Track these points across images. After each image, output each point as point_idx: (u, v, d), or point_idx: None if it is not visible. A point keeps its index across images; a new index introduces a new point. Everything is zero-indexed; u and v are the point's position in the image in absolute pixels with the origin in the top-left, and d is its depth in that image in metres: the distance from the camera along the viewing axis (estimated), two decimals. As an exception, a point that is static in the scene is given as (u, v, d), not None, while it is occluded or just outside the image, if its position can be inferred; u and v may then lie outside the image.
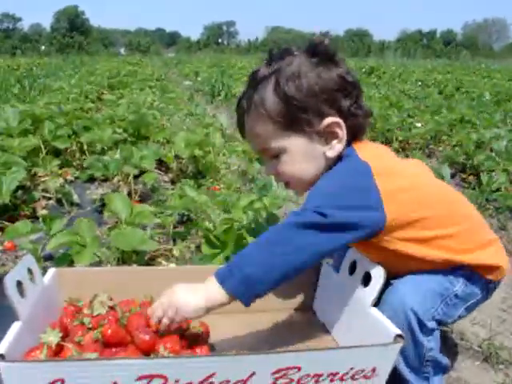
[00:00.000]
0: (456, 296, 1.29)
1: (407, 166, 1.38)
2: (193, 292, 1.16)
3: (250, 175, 3.40)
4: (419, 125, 4.65)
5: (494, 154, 3.54)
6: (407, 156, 4.28)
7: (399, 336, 1.16)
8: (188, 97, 7.42)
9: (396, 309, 1.26)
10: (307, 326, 1.56)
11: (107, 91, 6.93)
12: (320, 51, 1.26)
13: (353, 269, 1.44)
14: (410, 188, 1.24)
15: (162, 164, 3.41)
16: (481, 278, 1.32)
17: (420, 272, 1.29)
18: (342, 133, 1.25)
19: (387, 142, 4.66)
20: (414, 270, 1.30)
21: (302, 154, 1.28)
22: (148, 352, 1.18)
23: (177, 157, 3.28)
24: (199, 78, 11.25)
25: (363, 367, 1.15)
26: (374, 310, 1.29)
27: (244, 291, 1.14)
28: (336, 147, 1.26)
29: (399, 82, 10.57)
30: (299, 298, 1.66)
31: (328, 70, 1.25)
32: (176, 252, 1.84)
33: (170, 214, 2.24)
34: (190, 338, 1.27)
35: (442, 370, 1.35)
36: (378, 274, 1.30)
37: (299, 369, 1.09)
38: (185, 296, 1.16)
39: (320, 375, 1.12)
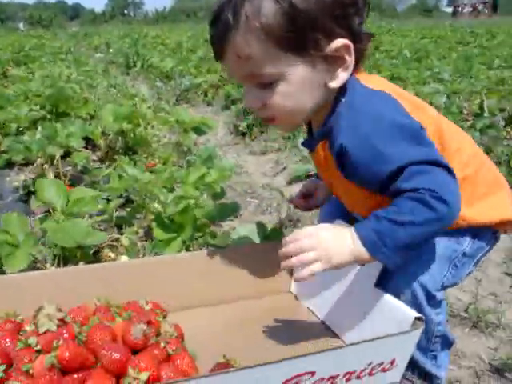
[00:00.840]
0: (464, 254, 1.14)
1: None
2: (341, 244, 1.01)
3: (185, 147, 3.15)
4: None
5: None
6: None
7: (418, 319, 1.00)
8: (103, 69, 6.97)
9: (401, 284, 1.10)
10: (294, 313, 1.38)
11: (12, 67, 6.37)
12: None
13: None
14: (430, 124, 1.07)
15: (87, 142, 3.08)
16: (488, 230, 1.16)
17: None
18: (350, 59, 1.03)
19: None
20: None
21: (301, 83, 1.04)
22: (120, 373, 0.95)
23: (103, 133, 2.97)
24: (111, 50, 10.68)
25: (382, 360, 0.98)
26: (378, 290, 1.12)
27: (399, 261, 0.99)
28: (340, 76, 1.04)
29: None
30: (273, 281, 1.47)
31: None
32: (125, 241, 1.59)
33: (108, 197, 1.98)
34: (165, 347, 1.05)
35: (449, 345, 1.22)
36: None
37: (313, 374, 0.90)
38: (336, 245, 1.01)
39: (335, 377, 0.93)
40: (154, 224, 1.62)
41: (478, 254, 1.16)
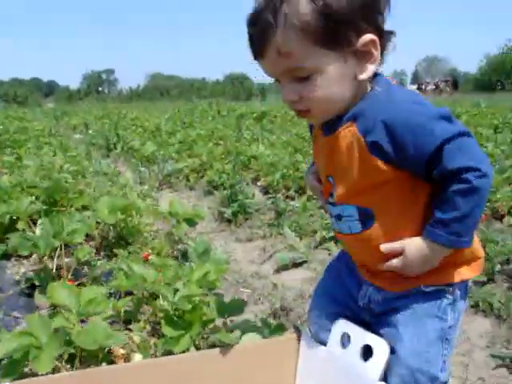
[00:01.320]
0: (450, 327, 1.26)
1: None
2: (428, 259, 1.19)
3: (176, 237, 3.27)
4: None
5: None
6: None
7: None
8: (85, 152, 7.14)
9: (405, 378, 1.21)
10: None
11: (-3, 151, 6.48)
12: None
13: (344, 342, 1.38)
14: None
15: (81, 232, 3.19)
16: (463, 288, 1.29)
17: (403, 316, 1.25)
18: (377, 53, 1.14)
19: (301, 193, 4.69)
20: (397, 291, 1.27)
21: (336, 76, 1.15)
22: None
23: (97, 223, 3.08)
24: (90, 131, 10.92)
25: None
26: (382, 384, 1.23)
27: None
28: (369, 69, 1.16)
29: (291, 126, 10.87)
30: (279, 377, 1.57)
31: None
32: (136, 339, 1.68)
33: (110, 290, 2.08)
34: None
35: None
36: (382, 347, 1.25)
37: None
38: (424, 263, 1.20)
39: None
40: (163, 321, 1.71)
41: (460, 316, 1.28)
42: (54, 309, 2.18)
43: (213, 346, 1.70)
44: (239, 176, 5.14)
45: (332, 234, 3.36)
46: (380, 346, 1.26)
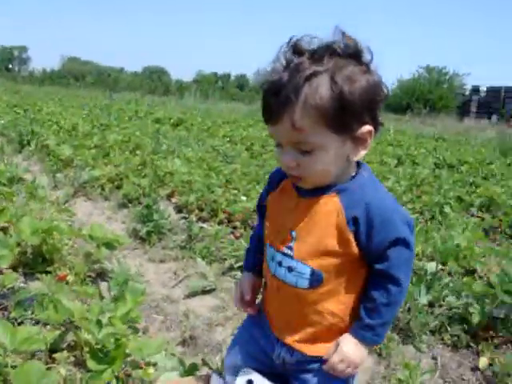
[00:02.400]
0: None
1: None
2: (360, 355, 1.45)
3: (94, 258, 3.42)
4: (244, 198, 4.98)
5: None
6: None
7: None
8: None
9: None
10: None
11: None
12: (364, 58, 1.31)
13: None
14: None
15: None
16: None
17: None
18: (370, 141, 1.35)
19: (213, 215, 4.91)
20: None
21: (334, 155, 1.32)
22: None
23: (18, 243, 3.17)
24: (2, 121, 10.60)
25: None
26: None
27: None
28: (361, 153, 1.35)
29: (208, 136, 11.09)
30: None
31: (373, 77, 1.31)
32: (62, 371, 1.87)
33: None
34: None
35: None
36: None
37: None
38: (358, 358, 1.44)
39: None
40: (88, 356, 1.91)
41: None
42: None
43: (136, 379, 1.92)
44: (155, 194, 5.31)
45: (240, 263, 3.65)
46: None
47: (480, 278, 3.63)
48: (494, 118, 30.88)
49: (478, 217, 5.84)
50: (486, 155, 11.49)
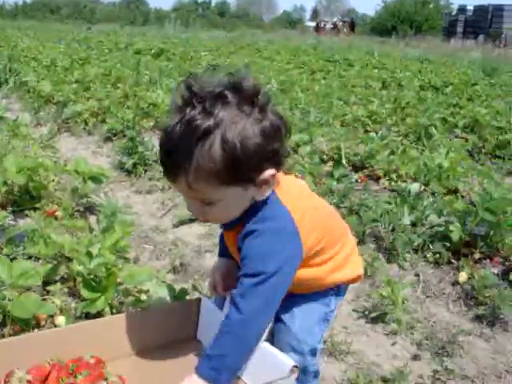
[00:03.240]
0: (332, 311, 1.66)
1: (310, 200, 1.56)
2: None
3: (81, 192, 3.44)
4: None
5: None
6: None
7: (295, 366, 1.48)
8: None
9: (292, 345, 1.58)
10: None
11: None
12: (257, 99, 1.28)
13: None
14: (316, 225, 1.48)
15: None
16: (345, 288, 1.69)
17: (299, 301, 1.59)
18: (273, 181, 1.35)
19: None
20: (295, 293, 1.56)
21: (235, 202, 1.36)
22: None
23: (5, 182, 3.18)
24: (-23, 59, 10.33)
25: (271, 396, 1.46)
26: (267, 344, 1.59)
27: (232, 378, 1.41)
28: (266, 192, 1.37)
29: (190, 66, 10.90)
30: (181, 331, 1.89)
31: (267, 122, 1.29)
32: (58, 302, 1.93)
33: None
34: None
35: (317, 375, 1.73)
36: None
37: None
38: None
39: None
40: (81, 285, 1.97)
41: (338, 304, 1.69)
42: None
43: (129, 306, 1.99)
44: (139, 126, 5.28)
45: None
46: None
47: (462, 197, 3.72)
48: (481, 38, 30.43)
49: (462, 138, 5.89)
50: (471, 76, 11.42)
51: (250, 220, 1.40)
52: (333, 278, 1.59)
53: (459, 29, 36.02)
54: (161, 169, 1.38)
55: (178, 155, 1.26)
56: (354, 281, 1.68)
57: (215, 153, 1.24)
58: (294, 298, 1.59)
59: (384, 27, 37.91)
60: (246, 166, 1.27)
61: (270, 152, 1.30)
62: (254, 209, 1.40)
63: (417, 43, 25.84)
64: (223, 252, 1.71)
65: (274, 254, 1.36)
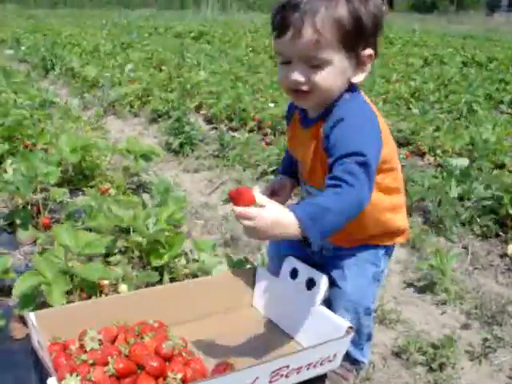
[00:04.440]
0: (382, 271, 1.71)
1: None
2: (274, 228, 1.28)
3: (132, 171, 3.55)
4: (272, 105, 5.03)
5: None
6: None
7: (350, 327, 1.55)
8: (25, 74, 7.07)
9: (346, 306, 1.64)
10: (258, 323, 1.88)
11: None
12: None
13: (293, 275, 1.79)
14: (389, 142, 1.54)
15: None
16: (393, 248, 1.74)
17: (349, 263, 1.64)
18: (370, 65, 1.46)
19: (243, 124, 4.98)
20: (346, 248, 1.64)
21: (338, 71, 1.42)
22: (159, 376, 1.43)
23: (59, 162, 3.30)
24: (23, 47, 10.59)
25: (328, 355, 1.54)
26: (323, 307, 1.66)
27: (317, 239, 1.33)
28: (360, 76, 1.47)
29: (230, 48, 10.95)
30: (241, 299, 1.97)
31: (381, 4, 1.43)
32: (119, 270, 2.03)
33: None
34: (184, 355, 1.54)
35: (371, 339, 1.79)
36: (322, 281, 1.66)
37: (288, 367, 1.43)
38: (265, 227, 1.28)
39: (300, 367, 1.47)
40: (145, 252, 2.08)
41: (387, 265, 1.74)
42: (35, 244, 2.49)
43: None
44: (184, 106, 5.37)
45: (272, 168, 3.78)
46: (321, 279, 1.67)
47: (509, 172, 3.69)
48: (526, 10, 29.48)
49: (507, 113, 5.80)
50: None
51: (338, 111, 1.46)
52: (389, 218, 1.62)
53: (504, 1, 34.94)
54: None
55: (308, 5, 1.36)
56: (402, 233, 1.70)
57: (342, 9, 1.37)
58: (345, 258, 1.65)
59: (424, 3, 37.05)
60: (362, 30, 1.39)
61: (377, 28, 1.43)
62: (343, 101, 1.48)
63: (459, 19, 25.21)
64: (282, 170, 1.84)
65: (366, 137, 1.42)
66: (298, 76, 1.42)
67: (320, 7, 1.35)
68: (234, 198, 1.29)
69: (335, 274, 1.67)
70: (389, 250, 1.71)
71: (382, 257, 1.68)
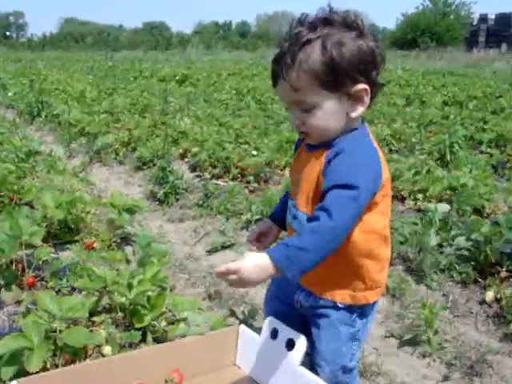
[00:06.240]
0: (359, 330, 1.72)
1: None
2: (257, 274, 1.40)
3: (117, 223, 3.58)
4: (254, 152, 5.10)
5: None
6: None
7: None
8: (11, 122, 7.13)
9: (323, 366, 1.69)
10: (241, 382, 1.91)
11: None
12: (356, 26, 1.49)
13: (273, 335, 1.82)
14: (387, 184, 1.57)
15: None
16: (370, 308, 1.73)
17: (323, 324, 1.68)
18: (367, 98, 1.52)
19: (226, 171, 5.03)
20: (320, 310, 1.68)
21: (332, 112, 1.51)
22: None
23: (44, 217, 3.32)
24: (10, 94, 10.69)
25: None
26: (302, 368, 1.70)
27: (297, 276, 1.44)
28: (359, 110, 1.52)
29: (214, 91, 11.11)
30: (223, 358, 2.00)
31: (365, 43, 1.48)
32: (103, 332, 2.06)
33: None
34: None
35: None
36: (300, 341, 1.70)
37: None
38: (249, 276, 1.40)
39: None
40: (128, 315, 2.11)
41: (368, 323, 1.75)
42: (19, 304, 2.50)
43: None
44: (168, 154, 5.44)
45: (256, 217, 3.83)
46: (300, 340, 1.71)
47: (487, 215, 3.77)
48: (504, 46, 30.26)
49: (486, 153, 5.93)
50: (494, 88, 11.42)
51: (342, 142, 1.53)
52: (377, 252, 1.63)
53: (481, 38, 35.92)
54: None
55: (285, 58, 1.48)
56: (377, 287, 1.70)
57: (315, 56, 1.45)
58: (321, 317, 1.69)
59: (405, 41, 37.92)
60: (340, 70, 1.46)
61: (363, 64, 1.48)
62: (347, 134, 1.55)
63: (439, 55, 25.80)
64: (271, 213, 1.91)
65: (363, 170, 1.48)
66: (295, 120, 1.57)
67: (295, 59, 1.46)
68: None
69: (313, 331, 1.72)
70: (364, 311, 1.73)
71: (357, 317, 1.71)
